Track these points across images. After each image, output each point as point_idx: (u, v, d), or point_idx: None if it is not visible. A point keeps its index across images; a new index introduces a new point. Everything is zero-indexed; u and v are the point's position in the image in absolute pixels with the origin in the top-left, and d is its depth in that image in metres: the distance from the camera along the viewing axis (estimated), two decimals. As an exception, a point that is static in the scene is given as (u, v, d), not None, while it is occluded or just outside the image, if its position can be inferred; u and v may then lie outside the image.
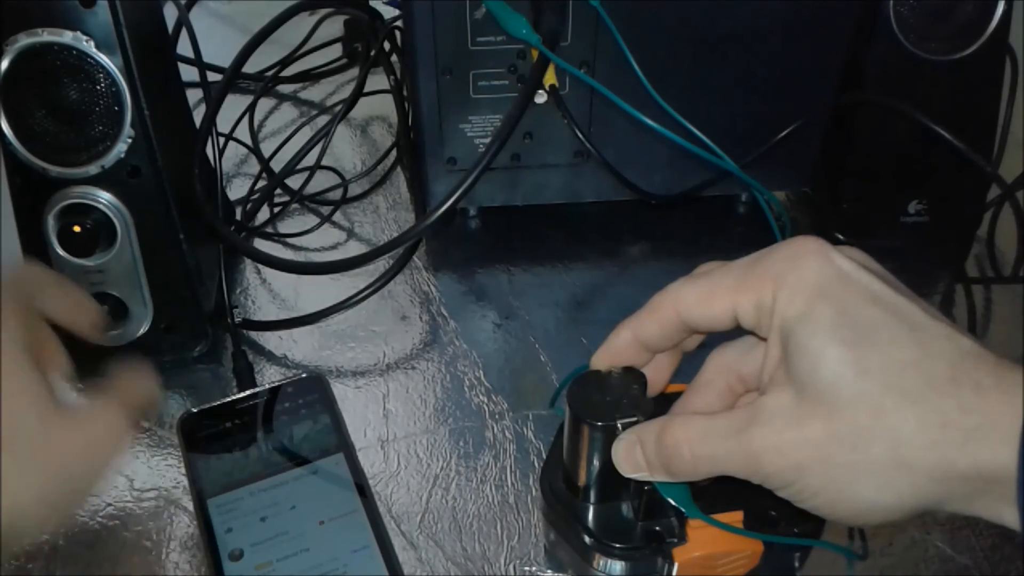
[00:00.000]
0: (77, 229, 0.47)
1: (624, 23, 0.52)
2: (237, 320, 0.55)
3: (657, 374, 0.38)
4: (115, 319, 0.50)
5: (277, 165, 0.66)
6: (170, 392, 0.52)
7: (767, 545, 0.37)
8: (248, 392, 0.50)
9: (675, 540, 0.37)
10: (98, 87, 0.46)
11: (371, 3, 0.75)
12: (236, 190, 0.67)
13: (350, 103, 0.66)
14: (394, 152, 0.70)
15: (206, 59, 0.59)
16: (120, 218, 0.48)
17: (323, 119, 0.74)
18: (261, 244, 0.62)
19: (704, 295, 0.34)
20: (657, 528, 0.37)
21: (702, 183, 0.60)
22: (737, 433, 0.32)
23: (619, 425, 0.36)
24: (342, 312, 0.55)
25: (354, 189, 0.67)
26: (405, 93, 0.66)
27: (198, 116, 0.57)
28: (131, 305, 0.50)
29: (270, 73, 0.76)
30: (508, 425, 0.50)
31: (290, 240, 0.63)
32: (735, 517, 0.37)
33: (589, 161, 0.59)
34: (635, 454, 0.35)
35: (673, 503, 0.36)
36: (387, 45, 0.70)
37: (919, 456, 0.29)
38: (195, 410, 0.49)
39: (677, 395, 0.38)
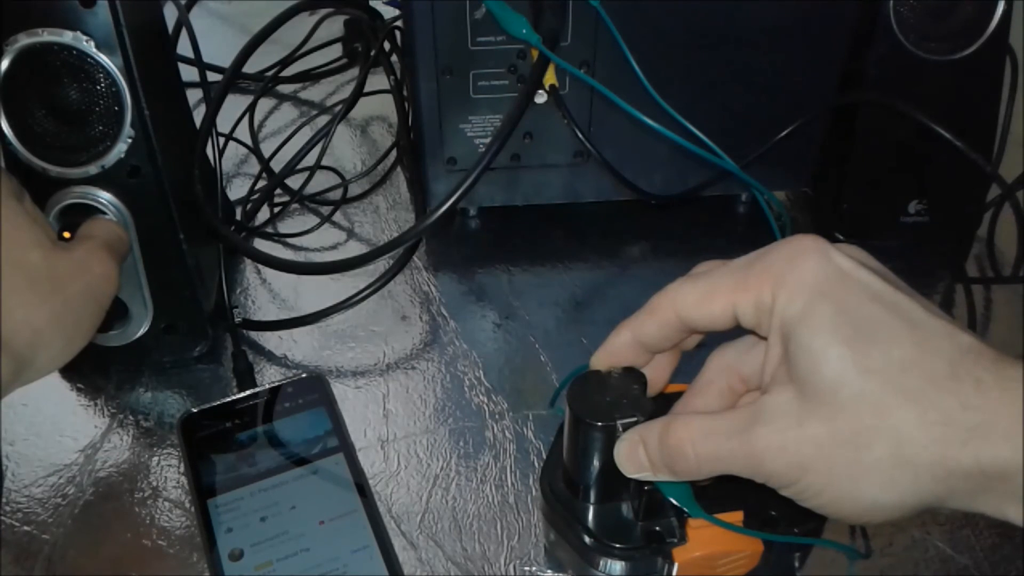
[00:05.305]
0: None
1: (624, 23, 0.52)
2: (237, 320, 0.55)
3: (657, 374, 0.38)
4: (115, 319, 0.50)
5: (277, 165, 0.66)
6: (170, 392, 0.52)
7: (767, 545, 0.37)
8: (248, 392, 0.50)
9: (675, 540, 0.37)
10: (98, 87, 0.46)
11: (371, 3, 0.75)
12: (236, 190, 0.67)
13: (350, 103, 0.66)
14: (394, 152, 0.70)
15: (206, 59, 0.59)
16: (120, 218, 0.48)
17: (323, 119, 0.74)
18: (261, 244, 0.62)
19: (703, 295, 0.34)
20: (657, 528, 0.37)
21: (702, 183, 0.60)
22: (740, 432, 0.32)
23: (619, 425, 0.36)
24: (342, 312, 0.55)
25: (354, 189, 0.67)
26: (405, 93, 0.66)
27: (198, 116, 0.57)
28: (131, 305, 0.50)
29: (270, 73, 0.76)
30: (508, 425, 0.50)
31: (290, 240, 0.63)
32: (735, 517, 0.37)
33: (589, 161, 0.59)
34: (638, 454, 0.35)
35: (675, 503, 0.36)
36: (387, 45, 0.70)
37: (921, 454, 0.29)
38: (195, 410, 0.49)
39: (677, 395, 0.38)
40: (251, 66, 0.70)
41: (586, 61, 0.55)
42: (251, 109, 0.72)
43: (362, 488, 0.45)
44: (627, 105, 0.50)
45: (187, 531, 0.45)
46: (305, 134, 0.71)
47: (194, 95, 0.58)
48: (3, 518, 0.45)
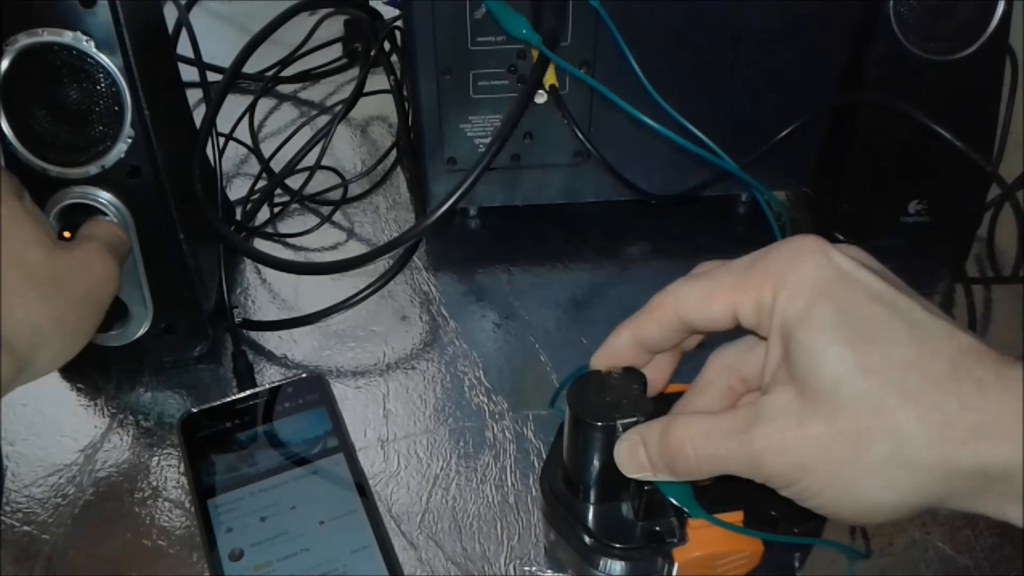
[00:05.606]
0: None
1: (624, 23, 0.52)
2: (237, 320, 0.55)
3: (657, 374, 0.38)
4: (115, 319, 0.50)
5: (277, 165, 0.66)
6: (170, 392, 0.52)
7: (767, 545, 0.37)
8: (248, 392, 0.50)
9: (675, 540, 0.37)
10: (98, 87, 0.46)
11: (371, 3, 0.75)
12: (236, 190, 0.67)
13: (350, 103, 0.66)
14: (394, 152, 0.70)
15: (206, 59, 0.59)
16: (120, 218, 0.48)
17: (323, 119, 0.74)
18: (261, 244, 0.62)
19: (704, 295, 0.34)
20: (657, 528, 0.37)
21: (702, 183, 0.60)
22: (740, 433, 0.32)
23: (619, 425, 0.36)
24: (342, 312, 0.55)
25: (354, 189, 0.67)
26: (405, 93, 0.66)
27: (198, 116, 0.57)
28: (131, 305, 0.50)
29: (270, 73, 0.76)
30: (508, 425, 0.50)
31: (290, 240, 0.63)
32: (735, 517, 0.37)
33: (589, 161, 0.59)
34: (638, 454, 0.35)
35: (675, 503, 0.36)
36: (387, 45, 0.70)
37: (921, 454, 0.29)
38: (195, 410, 0.49)
39: (677, 395, 0.38)
40: (251, 66, 0.70)
41: (586, 61, 0.55)
42: (251, 109, 0.72)
43: (362, 488, 0.45)
44: (627, 105, 0.50)
45: (187, 531, 0.45)
46: (305, 134, 0.71)
47: (194, 95, 0.58)
48: (3, 518, 0.45)
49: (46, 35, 0.44)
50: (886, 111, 0.56)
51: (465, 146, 0.58)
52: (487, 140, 0.57)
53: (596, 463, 0.37)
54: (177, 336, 0.52)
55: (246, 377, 0.52)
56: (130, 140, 0.47)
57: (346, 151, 0.71)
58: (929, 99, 0.54)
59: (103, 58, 0.45)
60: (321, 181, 0.66)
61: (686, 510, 0.36)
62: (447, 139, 0.57)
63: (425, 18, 0.52)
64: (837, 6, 0.54)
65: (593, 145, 0.56)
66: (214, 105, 0.57)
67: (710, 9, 0.53)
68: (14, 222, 0.39)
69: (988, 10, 0.54)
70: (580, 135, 0.55)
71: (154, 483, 0.47)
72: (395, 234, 0.63)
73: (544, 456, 0.46)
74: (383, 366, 0.54)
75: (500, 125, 0.53)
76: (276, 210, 0.65)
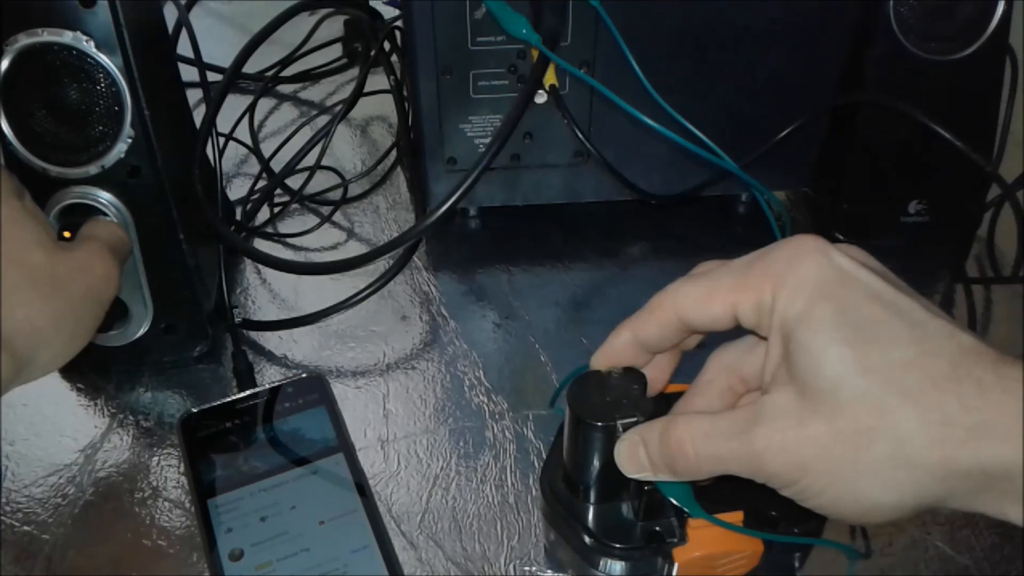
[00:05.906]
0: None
1: (624, 23, 0.52)
2: (237, 320, 0.55)
3: (657, 374, 0.38)
4: (115, 319, 0.50)
5: (277, 165, 0.66)
6: (170, 392, 0.52)
7: (767, 545, 0.37)
8: (248, 392, 0.50)
9: (675, 540, 0.37)
10: (98, 87, 0.46)
11: (371, 3, 0.75)
12: (236, 190, 0.67)
13: (350, 103, 0.66)
14: (394, 152, 0.70)
15: (206, 59, 0.59)
16: (120, 218, 0.48)
17: (323, 119, 0.74)
18: (261, 244, 0.63)
19: (704, 295, 0.34)
20: (657, 528, 0.37)
21: (702, 183, 0.60)
22: (740, 432, 0.32)
23: (619, 425, 0.36)
24: (342, 312, 0.55)
25: (354, 189, 0.67)
26: (405, 93, 0.66)
27: (198, 116, 0.57)
28: (131, 305, 0.50)
29: (270, 73, 0.76)
30: (508, 425, 0.50)
31: (290, 240, 0.63)
32: (735, 517, 0.37)
33: (589, 161, 0.59)
34: (638, 454, 0.35)
35: (675, 502, 0.36)
36: (387, 45, 0.70)
37: (921, 454, 0.29)
38: (195, 410, 0.49)
39: (677, 395, 0.38)
40: (251, 66, 0.70)
41: (586, 61, 0.55)
42: (251, 109, 0.72)
43: (362, 488, 0.45)
44: (627, 105, 0.50)
45: (187, 531, 0.45)
46: (305, 134, 0.71)
47: (194, 95, 0.58)
48: (3, 518, 0.45)
49: (46, 35, 0.44)
50: (886, 111, 0.56)
51: (465, 146, 0.58)
52: (487, 140, 0.57)
53: (596, 463, 0.37)
54: (177, 336, 0.52)
55: (246, 377, 0.52)
56: (130, 140, 0.47)
57: (346, 151, 0.71)
58: (929, 99, 0.54)
59: (103, 58, 0.45)
60: (321, 181, 0.66)
61: (686, 510, 0.36)
62: (447, 139, 0.57)
63: (425, 18, 0.52)
64: (837, 6, 0.54)
65: (593, 145, 0.56)
66: (214, 105, 0.57)
67: (710, 9, 0.53)
68: (14, 222, 0.39)
69: (988, 10, 0.54)
70: (580, 135, 0.55)
71: (154, 483, 0.47)
72: (395, 234, 0.63)
73: (544, 456, 0.46)
74: (383, 366, 0.54)
75: (500, 125, 0.53)
76: (276, 210, 0.65)
